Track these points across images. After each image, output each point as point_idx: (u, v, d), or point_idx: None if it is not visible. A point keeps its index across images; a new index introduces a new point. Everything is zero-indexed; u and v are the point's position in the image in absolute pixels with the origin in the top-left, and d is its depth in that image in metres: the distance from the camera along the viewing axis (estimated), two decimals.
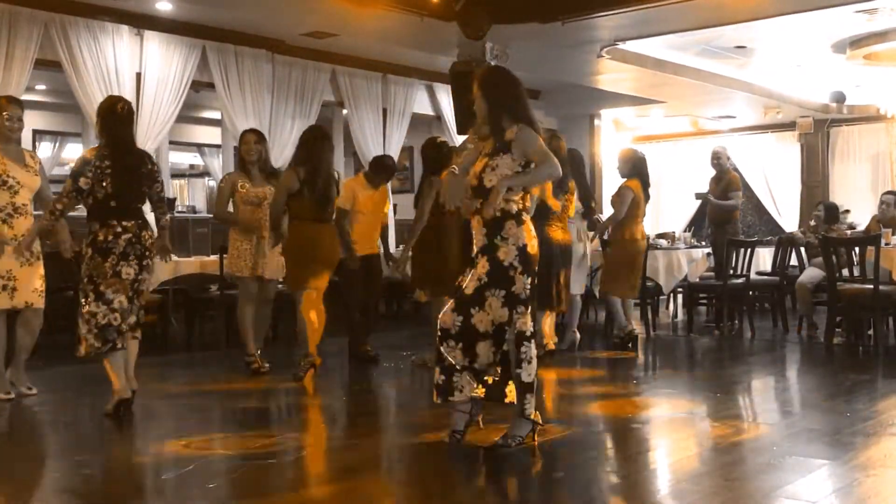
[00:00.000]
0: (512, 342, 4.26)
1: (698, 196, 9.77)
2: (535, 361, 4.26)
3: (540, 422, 4.33)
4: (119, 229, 5.11)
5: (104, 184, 5.09)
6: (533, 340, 4.26)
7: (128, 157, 5.24)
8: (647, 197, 7.92)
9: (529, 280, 4.26)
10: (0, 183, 5.54)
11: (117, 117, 5.27)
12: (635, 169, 7.87)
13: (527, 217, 4.35)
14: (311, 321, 6.33)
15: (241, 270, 6.71)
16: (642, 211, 7.88)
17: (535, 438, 4.32)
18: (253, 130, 7.10)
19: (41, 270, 5.72)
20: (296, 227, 6.35)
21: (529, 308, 4.26)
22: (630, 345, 7.72)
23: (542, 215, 7.07)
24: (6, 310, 5.62)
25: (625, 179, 7.89)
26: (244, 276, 6.70)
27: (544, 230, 7.12)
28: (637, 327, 8.21)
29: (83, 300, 5.13)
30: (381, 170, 7.42)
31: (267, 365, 6.74)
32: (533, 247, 4.31)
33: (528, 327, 4.24)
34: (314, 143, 6.44)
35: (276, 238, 6.52)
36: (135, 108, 8.81)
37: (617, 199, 7.79)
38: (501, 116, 4.42)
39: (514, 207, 4.30)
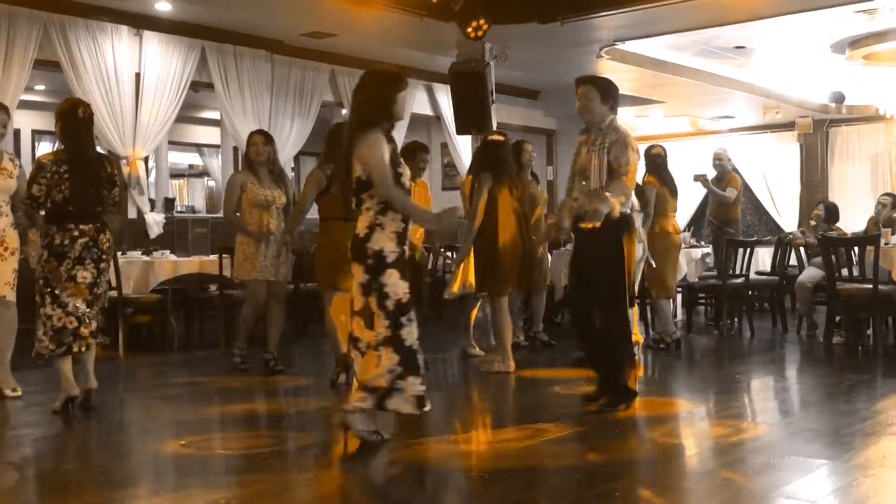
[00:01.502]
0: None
1: (696, 178, 9.84)
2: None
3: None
4: (76, 233, 5.13)
5: (62, 188, 5.11)
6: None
7: (86, 161, 5.24)
8: (673, 191, 7.82)
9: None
10: None
11: (78, 121, 5.26)
12: (651, 165, 7.85)
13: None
14: (341, 323, 6.24)
15: (248, 273, 6.61)
16: (672, 206, 7.80)
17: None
18: (261, 132, 7.03)
19: (15, 266, 5.72)
20: (326, 227, 6.20)
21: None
22: (675, 348, 7.72)
23: None
24: None
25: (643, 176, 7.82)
26: (251, 278, 6.62)
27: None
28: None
29: (40, 302, 5.15)
30: (418, 150, 7.10)
31: (280, 368, 6.68)
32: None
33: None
34: (333, 141, 6.19)
35: (293, 241, 6.49)
36: (134, 109, 8.95)
37: (639, 195, 7.72)
38: None
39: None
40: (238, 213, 6.72)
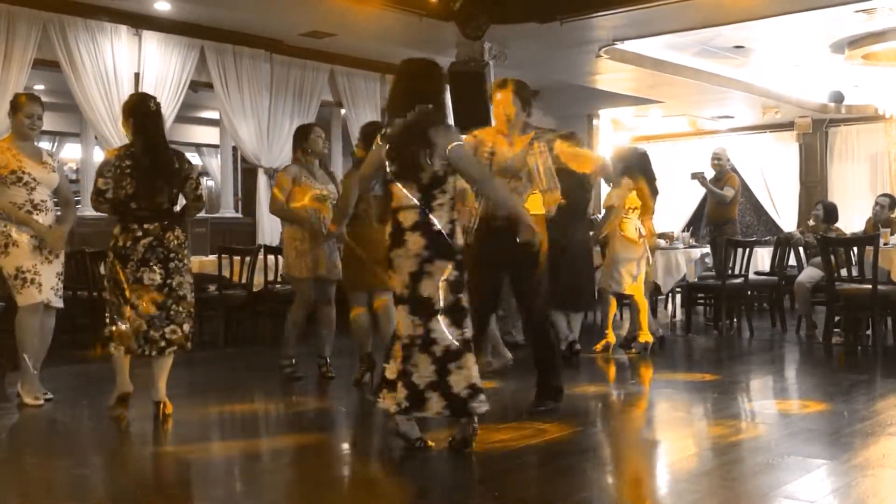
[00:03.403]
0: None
1: (694, 176, 9.87)
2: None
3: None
4: (139, 233, 4.94)
5: (124, 184, 4.93)
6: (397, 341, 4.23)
7: (154, 157, 5.04)
8: (655, 192, 7.73)
9: None
10: (16, 179, 5.43)
11: (150, 115, 5.11)
12: (638, 166, 7.81)
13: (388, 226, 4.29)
14: (362, 325, 6.17)
15: (300, 272, 6.31)
16: (650, 207, 7.68)
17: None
18: (318, 125, 6.81)
19: (58, 269, 5.60)
20: (357, 228, 6.08)
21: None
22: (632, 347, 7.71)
23: (572, 216, 6.97)
24: (39, 303, 5.48)
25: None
26: (304, 277, 6.33)
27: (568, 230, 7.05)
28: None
29: (116, 302, 4.99)
30: None
31: (333, 374, 6.40)
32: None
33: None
34: (372, 142, 6.21)
35: (342, 239, 6.21)
36: None
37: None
38: None
39: None
40: (295, 210, 6.34)
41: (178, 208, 5.18)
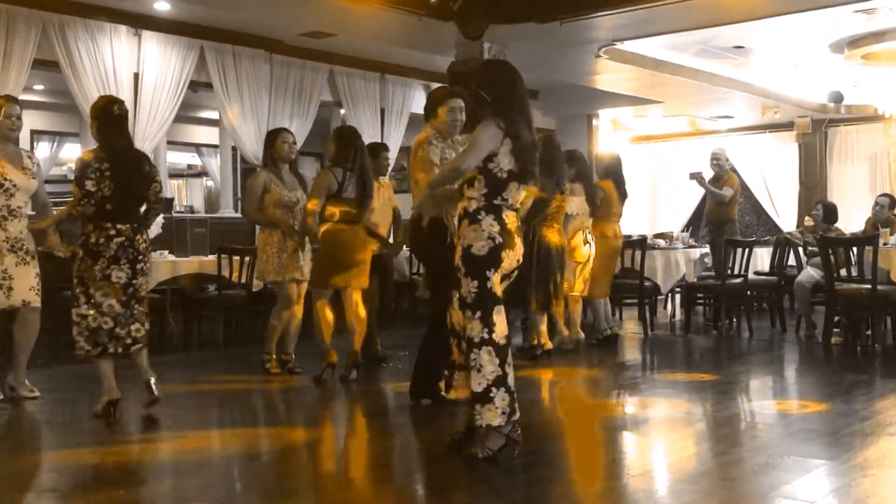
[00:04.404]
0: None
1: (692, 176, 9.91)
2: (487, 368, 4.01)
3: (503, 431, 4.06)
4: (112, 232, 5.04)
5: (101, 186, 5.02)
6: (484, 347, 4.01)
7: (125, 160, 5.16)
8: (623, 196, 8.11)
9: (477, 283, 4.03)
10: None
11: (114, 119, 5.19)
12: (608, 170, 8.13)
13: (485, 216, 4.08)
14: (326, 319, 6.24)
15: (276, 275, 6.41)
16: (616, 210, 8.06)
17: (512, 449, 4.08)
18: (288, 130, 6.88)
19: (37, 269, 5.65)
20: (327, 229, 6.14)
21: (480, 313, 4.02)
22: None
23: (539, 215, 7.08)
24: (3, 310, 5.56)
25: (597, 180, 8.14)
26: (279, 280, 6.43)
27: (539, 231, 7.14)
28: (619, 327, 8.17)
29: (75, 302, 5.09)
30: (381, 150, 7.28)
31: (299, 370, 6.52)
32: (480, 249, 4.05)
33: (476, 333, 4.03)
34: (351, 144, 6.25)
35: (303, 240, 6.31)
36: (132, 109, 8.92)
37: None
38: (482, 113, 4.32)
39: (473, 205, 4.12)
40: (265, 213, 6.48)
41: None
